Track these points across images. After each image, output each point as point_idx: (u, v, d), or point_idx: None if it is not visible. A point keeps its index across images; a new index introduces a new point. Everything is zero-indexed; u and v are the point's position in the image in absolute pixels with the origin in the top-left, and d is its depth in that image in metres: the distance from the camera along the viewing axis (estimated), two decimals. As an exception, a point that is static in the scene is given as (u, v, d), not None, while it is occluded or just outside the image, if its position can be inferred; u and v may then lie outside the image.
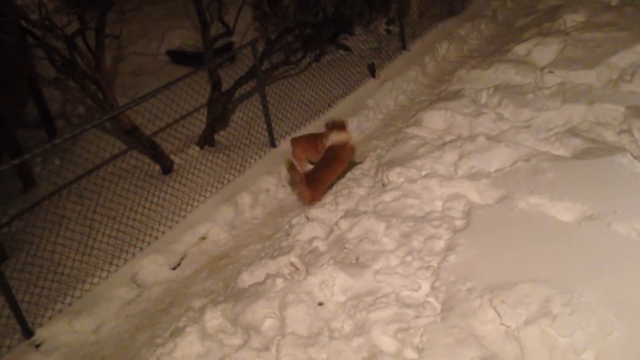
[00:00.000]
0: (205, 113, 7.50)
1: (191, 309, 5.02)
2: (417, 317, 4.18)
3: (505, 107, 6.68)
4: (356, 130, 7.55)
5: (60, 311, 5.29)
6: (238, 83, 7.60)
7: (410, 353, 3.94)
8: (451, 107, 6.82)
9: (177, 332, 4.59)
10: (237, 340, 4.41)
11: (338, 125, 6.26)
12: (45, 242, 5.73)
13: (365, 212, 5.47)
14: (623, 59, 6.96)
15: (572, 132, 5.93)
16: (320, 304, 4.54)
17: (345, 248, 5.08)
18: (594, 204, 4.74)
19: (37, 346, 5.04)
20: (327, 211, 5.86)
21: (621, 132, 5.88)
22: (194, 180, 6.66)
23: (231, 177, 6.78)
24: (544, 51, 7.77)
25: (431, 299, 4.33)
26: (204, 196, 6.49)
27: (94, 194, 6.41)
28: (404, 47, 9.30)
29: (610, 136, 5.85)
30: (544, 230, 4.64)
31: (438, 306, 4.25)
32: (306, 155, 6.69)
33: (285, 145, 7.24)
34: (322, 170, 6.17)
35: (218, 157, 7.06)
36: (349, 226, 5.33)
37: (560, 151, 5.71)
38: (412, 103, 8.04)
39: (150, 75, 9.89)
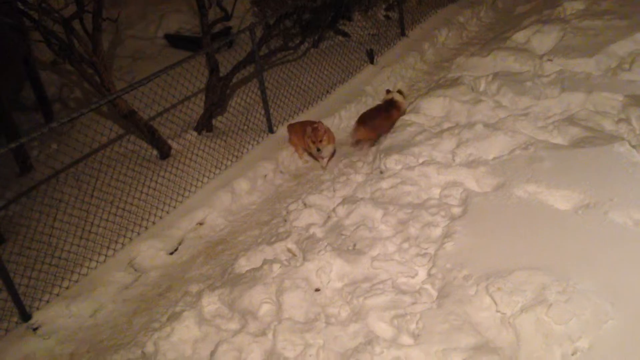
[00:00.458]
0: (203, 98, 7.47)
1: (188, 294, 5.04)
2: (414, 303, 4.20)
3: (504, 95, 6.66)
4: (354, 117, 7.53)
5: (57, 295, 5.31)
6: (236, 68, 7.56)
7: (406, 339, 3.97)
8: (450, 94, 6.80)
9: (174, 317, 4.61)
10: (234, 325, 4.44)
11: (400, 91, 7.14)
12: (42, 225, 5.73)
13: (362, 199, 5.48)
14: (622, 47, 6.95)
15: (570, 120, 5.93)
16: (317, 290, 4.57)
17: (342, 234, 5.09)
18: (591, 192, 4.75)
19: (35, 329, 5.06)
20: (325, 198, 5.86)
21: (619, 121, 5.87)
22: (192, 166, 6.65)
23: (229, 162, 6.78)
24: (543, 39, 7.74)
25: (427, 286, 4.35)
26: (202, 181, 6.49)
27: (91, 178, 6.40)
28: (402, 34, 9.26)
29: (608, 125, 5.85)
30: (540, 218, 4.66)
31: (434, 293, 4.27)
32: (302, 143, 6.69)
33: (283, 131, 7.23)
34: (377, 116, 6.79)
35: (216, 143, 7.05)
36: (346, 213, 5.34)
37: (558, 139, 5.71)
38: (411, 90, 8.02)
39: (147, 59, 9.83)
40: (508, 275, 4.06)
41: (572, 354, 3.59)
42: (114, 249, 5.70)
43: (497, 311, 3.93)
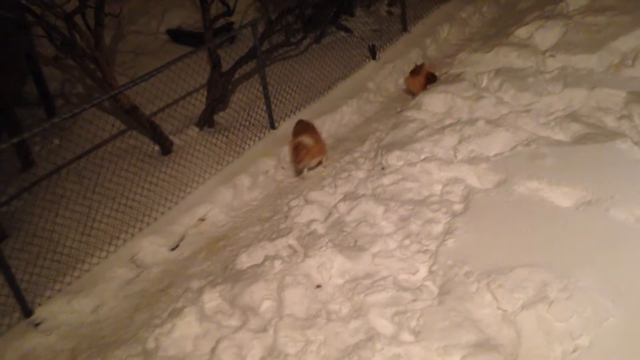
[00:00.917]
0: (205, 94, 7.46)
1: (189, 290, 5.05)
2: (414, 300, 4.20)
3: (506, 91, 6.64)
4: (356, 113, 7.54)
5: (59, 290, 5.32)
6: (238, 64, 7.55)
7: (406, 336, 3.97)
8: (451, 90, 6.79)
9: (176, 313, 4.62)
10: (235, 322, 4.45)
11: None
12: (44, 221, 5.74)
13: (364, 195, 5.48)
14: (625, 43, 6.91)
15: (573, 117, 5.92)
16: (318, 286, 4.57)
17: (343, 231, 5.10)
18: (592, 189, 4.74)
19: (37, 325, 5.08)
20: (326, 194, 5.86)
21: (622, 117, 5.86)
22: (193, 162, 6.65)
23: (230, 158, 6.78)
24: (546, 35, 7.70)
25: (428, 283, 4.35)
26: (203, 177, 6.49)
27: (93, 173, 6.41)
28: (405, 29, 9.23)
29: (610, 121, 5.83)
30: (542, 215, 4.65)
31: (435, 290, 4.28)
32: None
33: (284, 127, 7.23)
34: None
35: (217, 139, 7.05)
36: (347, 209, 5.34)
37: (560, 136, 5.70)
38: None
39: (149, 54, 9.81)
40: (509, 272, 4.06)
41: (573, 352, 3.60)
42: (116, 245, 5.72)
43: (498, 308, 3.93)
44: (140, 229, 5.88)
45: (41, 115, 8.36)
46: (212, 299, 4.65)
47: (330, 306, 4.38)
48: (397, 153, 5.89)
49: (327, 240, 4.93)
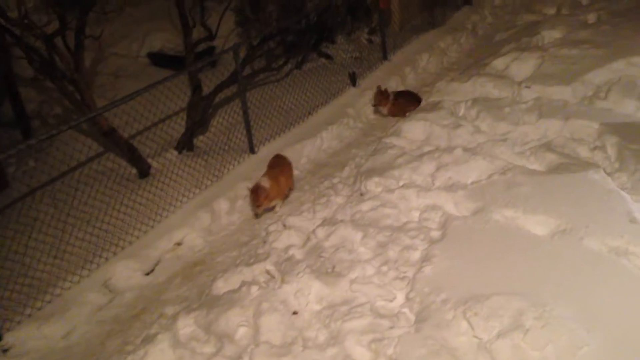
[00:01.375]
0: (185, 117, 7.45)
1: (164, 316, 4.96)
2: (392, 327, 4.18)
3: (483, 120, 6.76)
4: (336, 139, 7.58)
5: (29, 316, 5.19)
6: (219, 88, 7.57)
7: (383, 364, 3.94)
8: (430, 118, 6.88)
9: (149, 339, 4.53)
10: (209, 349, 4.37)
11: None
12: (16, 244, 5.62)
13: (342, 220, 5.48)
14: (598, 76, 7.10)
15: (547, 146, 6.02)
16: (295, 312, 4.53)
17: (321, 257, 5.07)
18: (567, 218, 4.81)
19: (5, 351, 4.93)
20: (305, 219, 5.85)
21: (595, 148, 5.99)
22: (171, 185, 6.60)
23: (209, 182, 6.74)
24: (522, 66, 7.89)
25: (405, 310, 4.34)
26: (181, 201, 6.44)
27: (68, 196, 6.31)
28: (385, 57, 9.37)
29: (584, 152, 5.96)
30: (517, 243, 4.69)
31: (412, 317, 4.26)
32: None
33: (264, 151, 7.23)
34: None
35: (196, 162, 7.02)
36: (325, 235, 5.33)
37: (535, 165, 5.79)
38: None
39: (130, 77, 9.80)
40: (485, 300, 4.07)
41: (548, 381, 3.60)
42: (89, 269, 5.61)
43: (474, 336, 3.93)
44: (115, 253, 5.79)
45: (17, 136, 8.25)
46: (186, 325, 4.57)
47: (307, 333, 4.33)
48: (376, 179, 5.92)
49: (304, 265, 4.91)
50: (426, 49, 9.54)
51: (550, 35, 8.67)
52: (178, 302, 5.19)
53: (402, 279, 4.64)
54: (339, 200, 6.07)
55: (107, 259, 5.72)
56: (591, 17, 9.21)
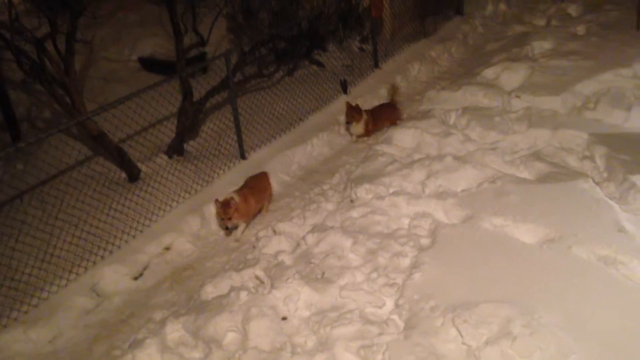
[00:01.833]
0: (175, 122, 7.43)
1: (152, 321, 4.93)
2: (381, 334, 4.18)
3: (473, 129, 6.80)
4: (326, 145, 7.59)
5: (16, 319, 5.13)
6: (210, 93, 7.56)
7: (372, 370, 3.93)
8: (421, 126, 6.91)
9: (136, 344, 4.49)
10: (197, 354, 4.35)
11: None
12: (3, 247, 5.57)
13: (332, 227, 5.48)
14: (587, 87, 7.18)
15: (537, 156, 6.07)
16: (284, 318, 4.52)
17: (311, 263, 5.07)
18: (555, 227, 4.84)
19: (-10, 355, 4.88)
20: (295, 225, 5.84)
21: (584, 158, 6.04)
22: (161, 190, 6.57)
23: (199, 187, 6.72)
24: (512, 76, 7.96)
25: (395, 317, 4.34)
26: (170, 206, 6.41)
27: (56, 199, 6.26)
28: (376, 66, 9.41)
29: (573, 161, 6.01)
30: (506, 251, 4.72)
31: (401, 324, 4.27)
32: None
33: (255, 157, 7.23)
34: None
35: (186, 167, 7.00)
36: (315, 241, 5.32)
37: (525, 174, 5.83)
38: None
39: (120, 81, 9.75)
40: (474, 307, 4.08)
41: (536, 388, 3.61)
42: (77, 273, 5.56)
43: (463, 343, 3.94)
44: (103, 257, 5.75)
45: (6, 139, 8.18)
46: (174, 330, 4.54)
47: (296, 339, 4.32)
48: (366, 186, 5.93)
49: (294, 271, 4.90)
50: (417, 57, 9.60)
51: (541, 46, 8.77)
52: (166, 306, 5.16)
53: (392, 285, 4.65)
54: (329, 206, 6.07)
55: (95, 263, 5.67)
56: (581, 29, 9.32)
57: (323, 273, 4.90)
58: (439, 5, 10.94)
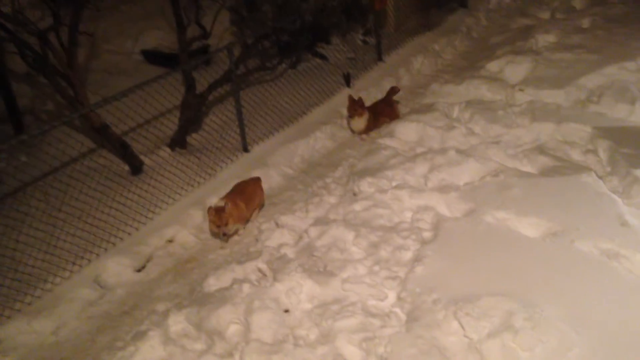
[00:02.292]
0: (178, 115, 7.43)
1: (155, 313, 4.94)
2: (383, 326, 4.19)
3: (476, 123, 6.79)
4: (329, 138, 7.58)
5: (19, 311, 5.15)
6: (213, 86, 7.55)
7: (374, 363, 3.95)
8: (424, 119, 6.90)
9: (139, 336, 4.51)
10: (200, 346, 4.36)
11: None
12: (6, 239, 5.59)
13: (335, 220, 5.48)
14: (591, 80, 7.15)
15: (540, 149, 6.06)
16: (286, 311, 4.53)
17: (313, 256, 5.08)
18: (558, 221, 4.84)
19: (-7, 346, 4.91)
20: (297, 218, 5.85)
21: (587, 151, 6.03)
22: (164, 182, 6.58)
23: (202, 180, 6.73)
24: (516, 69, 7.93)
25: (397, 309, 4.35)
26: (173, 199, 6.42)
27: (59, 192, 6.28)
28: (379, 59, 9.38)
29: (576, 155, 6.00)
30: (509, 245, 4.72)
31: (403, 317, 4.28)
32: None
33: (258, 150, 7.23)
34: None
35: (189, 160, 7.00)
36: (318, 234, 5.33)
37: (528, 168, 5.82)
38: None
39: (123, 74, 9.75)
40: (476, 300, 4.09)
41: (538, 381, 3.62)
42: (80, 265, 5.58)
43: (465, 336, 3.95)
44: (106, 249, 5.76)
45: (9, 131, 8.20)
46: (177, 322, 4.56)
47: (298, 331, 4.33)
48: (369, 179, 5.93)
49: (296, 264, 4.91)
50: (421, 50, 9.56)
51: (545, 39, 8.73)
52: (169, 299, 5.18)
53: (394, 278, 4.65)
54: (332, 200, 6.06)
55: (98, 255, 5.69)
56: (585, 22, 9.27)
57: (325, 266, 4.91)
58: (443, -2, 10.92)
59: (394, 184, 5.86)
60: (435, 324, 4.05)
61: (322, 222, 5.50)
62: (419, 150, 6.44)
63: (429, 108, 7.25)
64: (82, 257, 5.64)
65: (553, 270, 4.37)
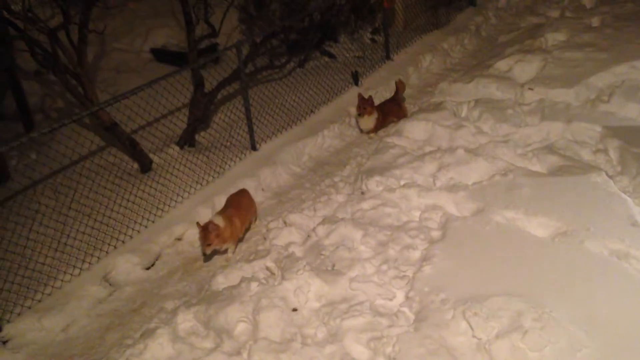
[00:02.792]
0: (187, 113, 7.45)
1: (163, 310, 4.97)
2: (391, 326, 4.19)
3: (485, 121, 6.76)
4: (337, 137, 7.58)
5: (29, 308, 5.20)
6: (221, 84, 7.57)
7: (382, 362, 3.95)
8: (432, 118, 6.88)
9: (148, 334, 4.54)
10: (208, 344, 4.38)
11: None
12: (17, 236, 5.62)
13: (343, 219, 5.49)
14: (601, 79, 7.10)
15: (549, 149, 6.03)
16: (294, 309, 4.53)
17: (321, 254, 5.08)
18: (568, 220, 4.82)
19: (5, 342, 4.94)
20: (305, 217, 5.85)
21: (597, 151, 5.99)
22: (173, 180, 6.61)
23: (210, 178, 6.75)
24: (525, 68, 7.89)
25: (405, 309, 4.35)
26: (182, 197, 6.44)
27: (69, 189, 6.32)
28: (388, 57, 9.36)
29: (586, 155, 5.96)
30: (518, 244, 4.70)
31: (411, 316, 4.27)
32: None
33: (266, 148, 7.24)
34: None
35: (198, 158, 7.02)
36: (326, 233, 5.33)
37: (537, 167, 5.80)
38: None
39: (132, 72, 9.79)
40: (485, 300, 4.08)
41: (546, 381, 3.61)
42: (90, 263, 5.62)
43: (473, 336, 3.94)
44: (115, 247, 5.80)
45: (19, 129, 8.25)
46: (186, 320, 4.58)
47: (306, 330, 4.34)
48: (377, 178, 5.93)
49: (304, 263, 4.91)
50: (429, 49, 9.54)
51: (554, 37, 8.67)
52: (178, 297, 5.20)
53: (402, 278, 4.65)
54: (340, 198, 6.07)
55: (107, 253, 5.73)
56: (595, 21, 9.20)
57: (333, 265, 4.91)
58: (452, -4, 10.88)
59: (402, 182, 5.85)
60: (444, 324, 4.05)
61: (330, 220, 5.50)
62: (428, 149, 6.42)
63: (437, 107, 7.23)
64: (92, 255, 5.68)
65: (562, 271, 4.35)
